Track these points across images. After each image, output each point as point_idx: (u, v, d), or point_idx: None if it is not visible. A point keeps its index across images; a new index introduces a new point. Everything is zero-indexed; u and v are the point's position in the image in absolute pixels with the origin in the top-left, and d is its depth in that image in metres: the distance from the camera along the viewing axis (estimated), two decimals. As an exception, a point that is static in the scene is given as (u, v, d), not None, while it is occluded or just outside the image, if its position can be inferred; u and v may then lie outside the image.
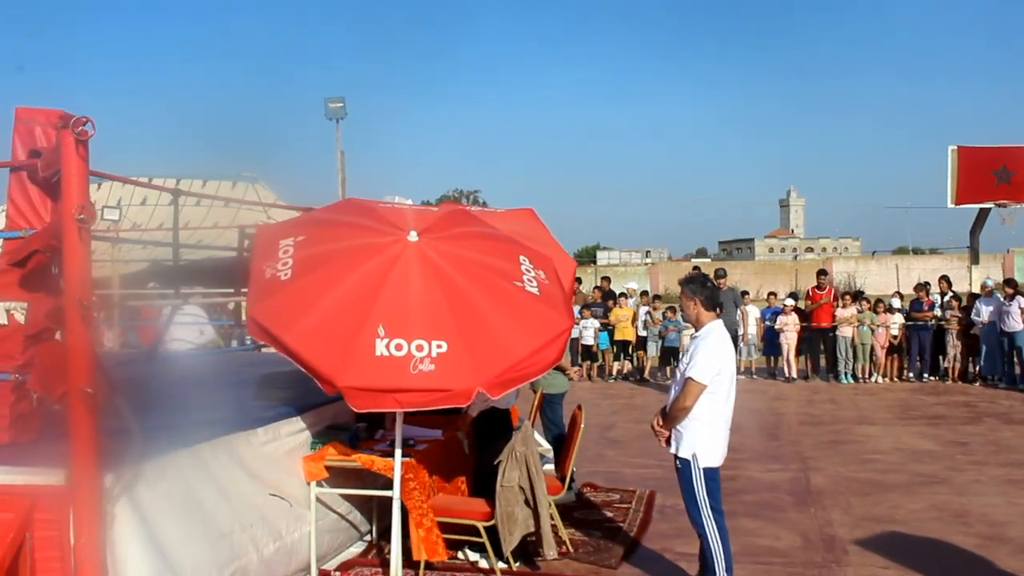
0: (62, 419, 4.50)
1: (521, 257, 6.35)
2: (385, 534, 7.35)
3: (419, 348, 5.42)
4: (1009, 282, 16.58)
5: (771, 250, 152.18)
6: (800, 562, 6.92)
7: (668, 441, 6.04)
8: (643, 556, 7.09)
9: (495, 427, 7.02)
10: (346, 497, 6.84)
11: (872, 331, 17.69)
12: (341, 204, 6.53)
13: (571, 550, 7.05)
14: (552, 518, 6.84)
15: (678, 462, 5.95)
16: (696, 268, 16.53)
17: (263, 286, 5.67)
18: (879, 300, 18.48)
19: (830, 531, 7.70)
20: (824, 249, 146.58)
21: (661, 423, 6.03)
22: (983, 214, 20.09)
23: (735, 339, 15.39)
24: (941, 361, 17.91)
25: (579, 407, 7.45)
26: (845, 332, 17.62)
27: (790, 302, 18.87)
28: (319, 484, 6.42)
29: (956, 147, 18.89)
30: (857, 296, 18.72)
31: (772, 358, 19.08)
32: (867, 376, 17.90)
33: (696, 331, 6.01)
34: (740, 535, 7.43)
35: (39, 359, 4.76)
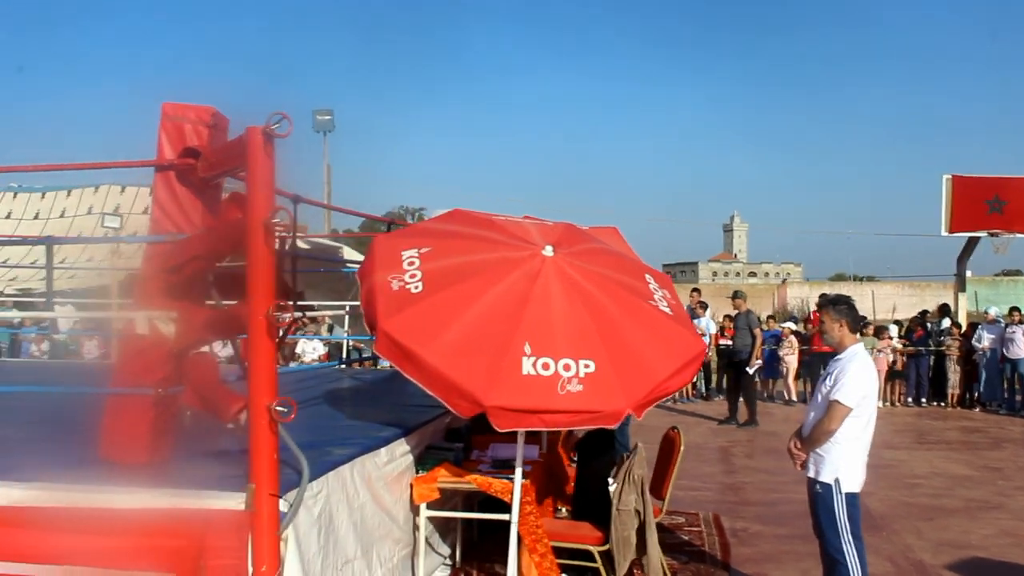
0: (236, 438, 4.18)
1: (647, 276, 6.16)
2: (468, 558, 7.09)
3: (566, 368, 5.19)
4: (1014, 310, 16.74)
5: (715, 274, 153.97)
6: None
7: (803, 464, 5.87)
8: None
9: (598, 447, 6.76)
10: (432, 520, 6.55)
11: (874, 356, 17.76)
12: (455, 215, 6.25)
13: (669, 575, 6.82)
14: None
15: (818, 486, 5.76)
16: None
17: (392, 299, 5.37)
18: (881, 327, 18.56)
19: (914, 556, 7.58)
20: (767, 274, 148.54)
21: (799, 446, 5.86)
22: (972, 243, 20.34)
23: (746, 363, 15.29)
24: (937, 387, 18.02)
25: (675, 429, 7.23)
26: (847, 356, 17.64)
27: (789, 325, 18.88)
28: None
29: (951, 176, 19.12)
30: (857, 321, 18.78)
31: (770, 381, 19.05)
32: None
33: (839, 354, 5.85)
34: None
35: (193, 373, 4.43)
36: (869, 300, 44.61)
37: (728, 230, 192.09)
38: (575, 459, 7.50)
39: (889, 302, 52.05)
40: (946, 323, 17.97)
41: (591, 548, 6.20)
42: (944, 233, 19.48)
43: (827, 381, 5.80)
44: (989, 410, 17.16)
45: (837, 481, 5.70)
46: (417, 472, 6.23)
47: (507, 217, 6.33)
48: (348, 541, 5.19)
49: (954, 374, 17.55)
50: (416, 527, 6.22)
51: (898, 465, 11.75)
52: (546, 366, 5.16)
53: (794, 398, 18.26)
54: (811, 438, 5.77)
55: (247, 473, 4.03)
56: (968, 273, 21.75)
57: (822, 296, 6.11)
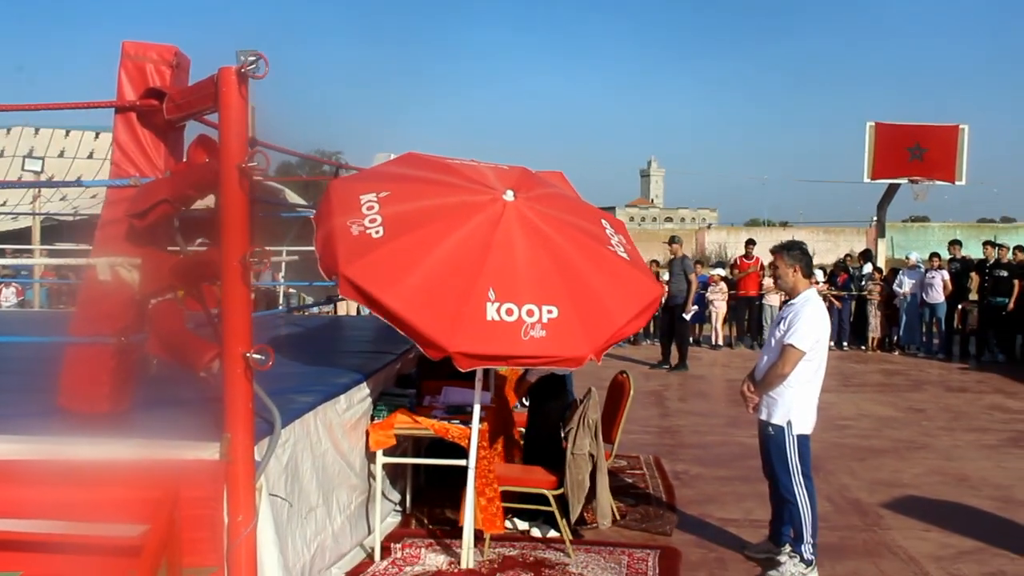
0: (207, 387, 4.11)
1: (603, 221, 6.18)
2: (417, 503, 7.13)
3: (530, 313, 5.20)
4: (934, 255, 17.23)
5: (631, 219, 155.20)
6: (843, 526, 6.97)
7: (755, 407, 6.01)
8: (687, 523, 7.02)
9: (551, 392, 6.80)
10: (384, 467, 6.55)
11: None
12: (409, 158, 6.17)
13: (619, 518, 6.93)
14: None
15: (771, 428, 5.91)
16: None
17: (353, 244, 5.30)
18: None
19: (851, 495, 7.81)
20: (683, 219, 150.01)
21: (752, 389, 5.99)
22: (892, 189, 20.78)
23: (681, 308, 15.47)
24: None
25: (624, 374, 7.31)
26: (772, 301, 18.00)
27: (718, 271, 19.17)
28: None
29: (874, 123, 19.46)
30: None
31: (698, 326, 19.37)
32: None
33: (791, 298, 5.96)
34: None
35: (158, 321, 4.33)
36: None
37: (645, 175, 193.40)
38: (526, 403, 7.55)
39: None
40: (868, 268, 18.39)
41: (546, 492, 6.26)
42: (866, 180, 19.87)
43: (781, 325, 5.92)
44: (908, 353, 17.69)
45: (789, 423, 5.85)
46: (373, 419, 6.22)
47: (463, 161, 6.28)
48: (311, 489, 5.18)
49: (875, 318, 18.02)
50: (371, 474, 6.22)
51: (827, 407, 11.94)
52: (510, 312, 5.16)
53: (720, 342, 18.61)
54: (764, 381, 5.90)
55: (221, 422, 3.98)
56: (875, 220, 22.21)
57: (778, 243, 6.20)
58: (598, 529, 6.66)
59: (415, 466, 7.14)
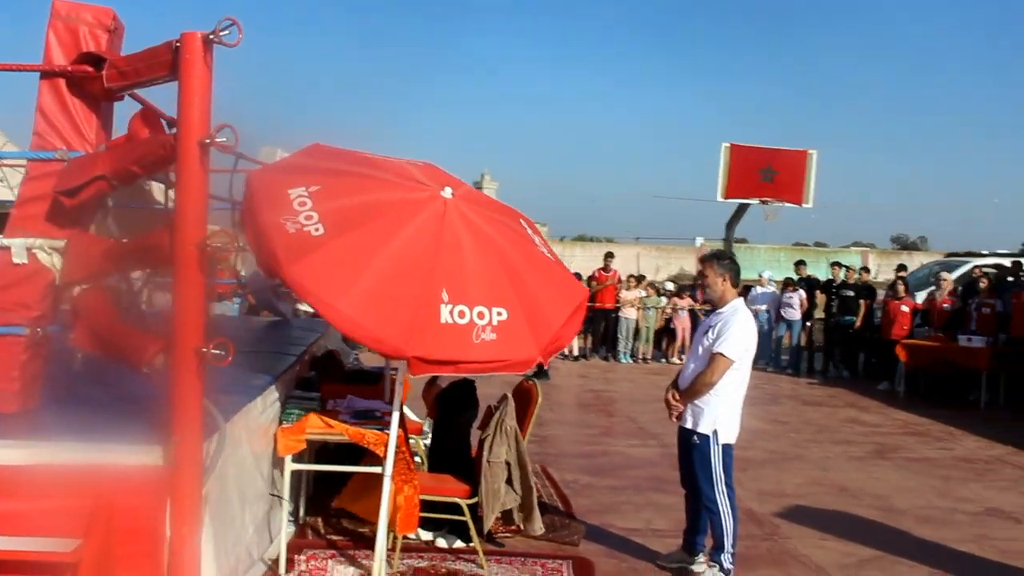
0: (142, 384, 3.72)
1: (521, 221, 6.03)
2: (311, 512, 6.77)
3: (481, 316, 4.98)
4: (789, 280, 17.89)
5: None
6: (744, 535, 6.87)
7: (679, 416, 5.96)
8: (591, 533, 6.89)
9: (461, 399, 6.58)
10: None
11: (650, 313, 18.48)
12: (317, 149, 5.79)
13: (523, 527, 6.75)
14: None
15: (696, 437, 5.87)
16: None
17: (291, 242, 4.90)
18: (684, 286, 19.34)
19: (744, 505, 7.80)
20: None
21: (678, 397, 5.93)
22: (742, 209, 21.43)
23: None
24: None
25: (531, 380, 7.16)
26: (629, 314, 18.20)
27: (577, 282, 19.34)
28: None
29: (729, 145, 20.02)
30: (640, 280, 19.43)
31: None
32: (646, 357, 18.64)
33: (719, 307, 5.93)
34: (664, 510, 7.48)
35: (88, 311, 3.90)
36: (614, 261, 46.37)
37: (478, 187, 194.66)
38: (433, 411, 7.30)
39: (632, 264, 54.42)
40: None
41: (459, 501, 6.04)
42: (720, 198, 20.42)
43: (709, 334, 5.89)
44: (758, 368, 18.17)
45: (716, 433, 5.83)
46: (281, 423, 5.86)
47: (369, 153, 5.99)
48: (233, 496, 4.81)
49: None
50: (276, 480, 5.86)
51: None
52: (462, 314, 4.93)
53: (576, 353, 18.72)
54: (692, 390, 5.85)
55: (162, 423, 3.61)
56: (700, 240, 22.88)
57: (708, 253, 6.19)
58: (508, 539, 6.49)
59: (309, 473, 6.79)
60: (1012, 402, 14.01)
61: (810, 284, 18.03)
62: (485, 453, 6.03)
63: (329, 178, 5.36)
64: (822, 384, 16.51)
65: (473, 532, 6.02)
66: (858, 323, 16.71)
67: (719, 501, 5.83)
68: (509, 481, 6.11)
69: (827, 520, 7.47)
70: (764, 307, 17.93)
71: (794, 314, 17.54)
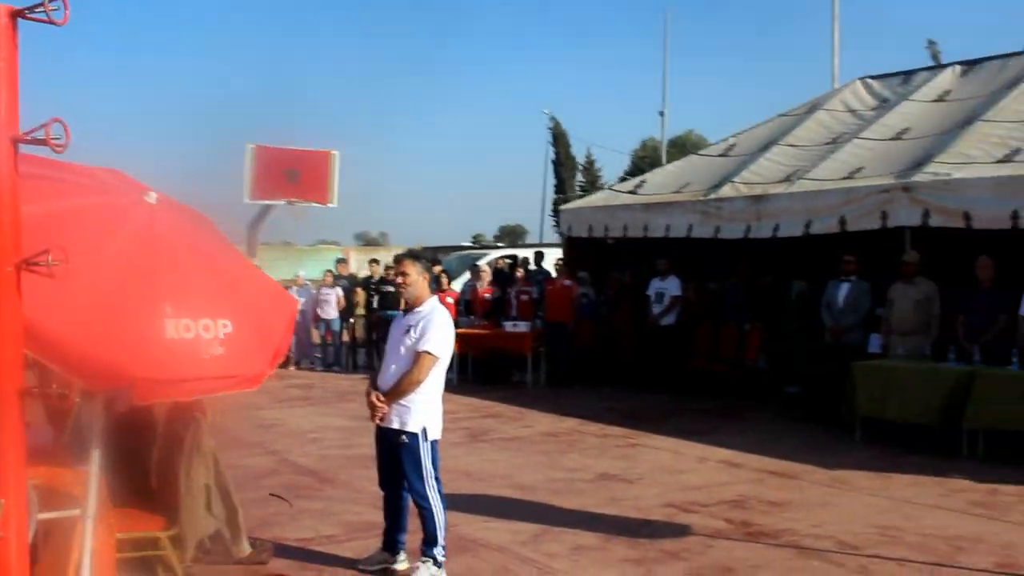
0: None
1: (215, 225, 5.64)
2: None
3: (207, 329, 4.55)
4: (328, 272, 18.08)
5: None
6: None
7: (383, 416, 5.92)
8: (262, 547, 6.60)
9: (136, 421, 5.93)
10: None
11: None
12: None
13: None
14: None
15: (404, 437, 5.86)
16: None
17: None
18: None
19: (377, 505, 7.96)
20: None
21: (382, 398, 5.88)
22: (267, 210, 21.20)
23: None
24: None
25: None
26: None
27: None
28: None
29: (254, 145, 19.69)
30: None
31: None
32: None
33: (416, 306, 5.96)
34: (320, 516, 7.42)
35: None
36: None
37: None
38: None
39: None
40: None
41: (158, 534, 5.50)
42: (247, 200, 20.02)
43: (411, 333, 5.89)
44: (305, 368, 18.26)
45: (424, 430, 5.88)
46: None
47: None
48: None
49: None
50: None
51: (277, 424, 12.01)
52: (188, 328, 4.46)
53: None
54: (398, 389, 5.84)
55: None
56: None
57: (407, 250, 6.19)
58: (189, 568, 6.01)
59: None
60: (550, 380, 15.44)
61: (352, 281, 18.46)
62: (182, 478, 5.54)
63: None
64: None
65: (175, 562, 5.51)
66: (401, 316, 17.39)
67: (430, 497, 5.89)
68: (209, 505, 5.68)
69: (477, 504, 7.77)
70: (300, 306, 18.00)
71: (331, 312, 17.85)
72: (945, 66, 14.96)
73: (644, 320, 14.71)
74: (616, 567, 6.31)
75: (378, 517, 6.85)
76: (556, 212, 56.71)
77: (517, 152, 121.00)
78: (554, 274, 16.36)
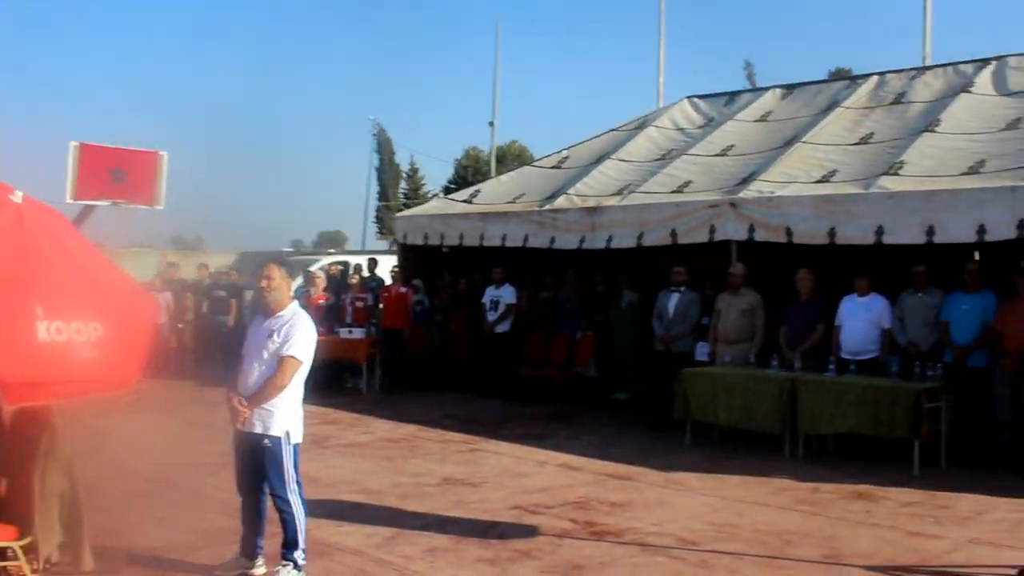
0: None
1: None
2: None
3: (78, 332, 4.56)
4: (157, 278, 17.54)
5: None
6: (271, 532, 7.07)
7: (244, 421, 5.91)
8: (119, 558, 6.43)
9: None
10: None
11: None
12: None
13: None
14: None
15: (267, 441, 5.89)
16: None
17: None
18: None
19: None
20: None
21: (244, 403, 5.87)
22: (89, 210, 20.38)
23: None
24: None
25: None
26: None
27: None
28: None
29: (78, 144, 18.90)
30: None
31: None
32: None
33: (278, 311, 5.97)
34: (160, 523, 7.31)
35: None
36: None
37: None
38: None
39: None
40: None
41: (10, 544, 5.33)
42: (69, 200, 19.20)
43: (274, 337, 5.90)
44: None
45: (288, 434, 5.93)
46: None
47: None
48: None
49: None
50: None
51: (121, 429, 11.53)
52: (59, 331, 4.44)
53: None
54: (263, 394, 5.84)
55: None
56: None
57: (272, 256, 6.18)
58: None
59: None
60: (385, 387, 15.45)
61: (183, 286, 17.98)
62: (37, 485, 5.39)
63: None
64: (205, 386, 16.52)
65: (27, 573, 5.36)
66: (230, 322, 17.05)
67: (292, 501, 5.94)
68: (62, 514, 5.55)
69: (327, 509, 7.76)
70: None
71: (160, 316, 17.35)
72: (767, 89, 15.84)
73: (479, 327, 14.95)
74: (471, 567, 6.49)
75: (229, 523, 6.86)
76: (380, 219, 56.95)
77: (338, 157, 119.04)
78: (389, 281, 16.42)
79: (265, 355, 5.92)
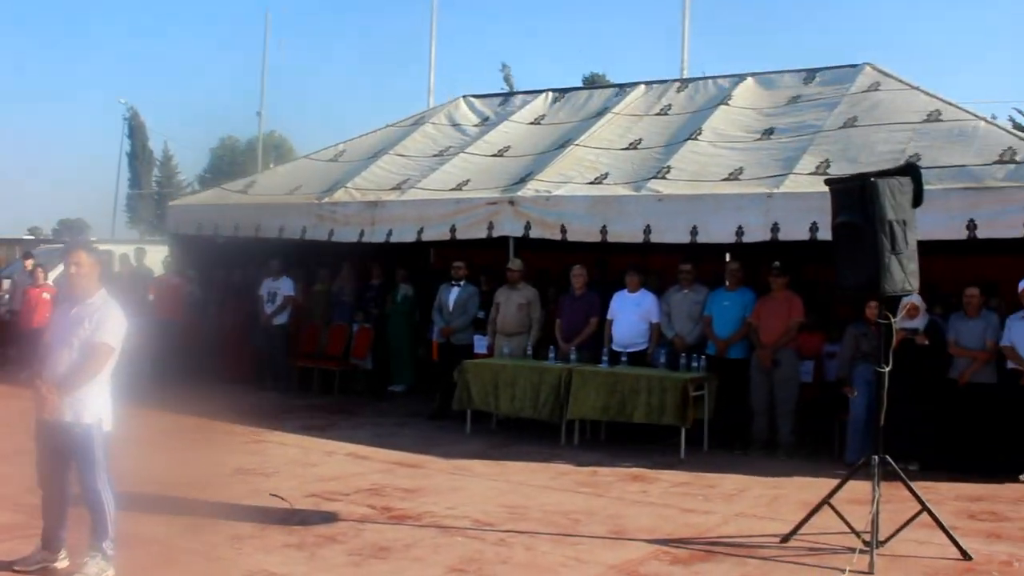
0: None
1: None
2: None
3: None
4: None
5: None
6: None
7: (52, 410, 5.77)
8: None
9: None
10: None
11: None
12: None
13: None
14: None
15: (78, 429, 5.76)
16: None
17: None
18: None
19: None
20: None
21: (54, 390, 5.72)
22: None
23: None
24: None
25: None
26: None
27: None
28: None
29: None
30: None
31: None
32: None
33: (87, 299, 5.86)
34: None
35: None
36: None
37: None
38: None
39: None
40: None
41: None
42: None
43: (85, 324, 5.78)
44: None
45: (100, 422, 5.83)
46: None
47: None
48: None
49: None
50: None
51: None
52: None
53: None
54: (75, 381, 5.72)
55: None
56: None
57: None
58: None
59: None
60: (156, 378, 14.90)
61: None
62: None
63: None
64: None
65: None
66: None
67: (102, 491, 5.82)
68: None
69: (123, 500, 7.35)
70: None
71: None
72: (539, 92, 16.48)
73: (255, 319, 14.83)
74: (279, 552, 6.57)
75: (19, 518, 6.68)
76: (131, 207, 54.45)
77: (81, 143, 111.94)
78: (160, 271, 15.98)
79: (76, 342, 5.79)
